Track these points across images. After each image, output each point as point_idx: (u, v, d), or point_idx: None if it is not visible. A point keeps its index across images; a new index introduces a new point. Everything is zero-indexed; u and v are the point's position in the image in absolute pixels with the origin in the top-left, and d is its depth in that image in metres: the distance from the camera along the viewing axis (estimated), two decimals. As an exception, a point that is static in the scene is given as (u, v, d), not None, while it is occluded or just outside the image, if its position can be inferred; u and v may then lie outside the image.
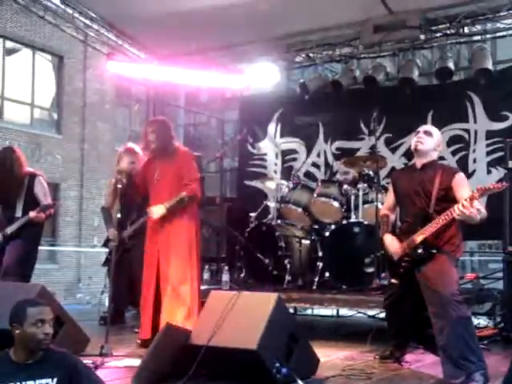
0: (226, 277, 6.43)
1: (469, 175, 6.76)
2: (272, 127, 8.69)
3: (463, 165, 7.07)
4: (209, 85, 9.03)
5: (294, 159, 8.51)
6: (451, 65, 7.22)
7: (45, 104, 16.02)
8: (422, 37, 7.13)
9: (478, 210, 3.71)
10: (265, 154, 8.75)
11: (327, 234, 6.38)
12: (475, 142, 7.33)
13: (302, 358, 3.90)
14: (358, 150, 7.92)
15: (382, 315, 5.83)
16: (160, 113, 9.05)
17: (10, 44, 14.98)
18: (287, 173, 7.91)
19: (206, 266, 7.28)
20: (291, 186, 6.87)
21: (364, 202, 6.34)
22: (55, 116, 16.04)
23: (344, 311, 7.77)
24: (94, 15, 7.92)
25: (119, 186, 5.14)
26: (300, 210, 6.70)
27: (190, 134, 19.05)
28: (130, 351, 4.76)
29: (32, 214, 5.46)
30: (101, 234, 11.56)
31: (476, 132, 7.33)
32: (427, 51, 11.12)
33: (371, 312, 6.91)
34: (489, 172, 7.15)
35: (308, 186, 6.88)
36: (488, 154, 7.21)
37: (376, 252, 5.59)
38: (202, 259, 5.79)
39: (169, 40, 7.84)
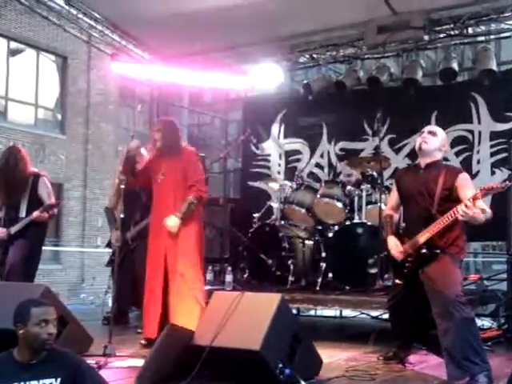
0: (229, 277, 6.44)
1: (473, 176, 6.71)
2: (276, 128, 8.68)
3: (467, 166, 7.05)
4: (213, 85, 9.03)
5: (298, 160, 8.51)
6: (455, 65, 7.22)
7: (49, 104, 16.02)
8: (426, 37, 7.13)
9: (482, 209, 3.70)
10: (268, 155, 8.75)
11: (331, 234, 6.38)
12: (479, 142, 7.32)
13: (305, 358, 3.89)
14: (362, 150, 7.92)
15: (386, 316, 5.82)
16: (164, 113, 9.05)
17: (14, 45, 14.98)
18: (291, 173, 7.91)
19: (210, 267, 7.27)
20: (295, 186, 6.87)
21: (367, 203, 6.34)
22: (59, 116, 16.04)
23: (347, 312, 7.76)
24: (98, 16, 7.95)
25: (122, 186, 5.12)
26: (303, 210, 6.69)
27: (193, 135, 19.02)
28: (134, 351, 4.77)
29: (35, 213, 5.46)
30: (104, 234, 11.55)
31: (480, 133, 7.32)
32: (431, 52, 11.06)
33: (375, 313, 6.91)
34: (493, 173, 7.14)
35: (311, 187, 6.87)
36: (492, 154, 7.20)
37: (379, 253, 5.58)
38: (206, 260, 5.79)
39: (173, 41, 7.85)
